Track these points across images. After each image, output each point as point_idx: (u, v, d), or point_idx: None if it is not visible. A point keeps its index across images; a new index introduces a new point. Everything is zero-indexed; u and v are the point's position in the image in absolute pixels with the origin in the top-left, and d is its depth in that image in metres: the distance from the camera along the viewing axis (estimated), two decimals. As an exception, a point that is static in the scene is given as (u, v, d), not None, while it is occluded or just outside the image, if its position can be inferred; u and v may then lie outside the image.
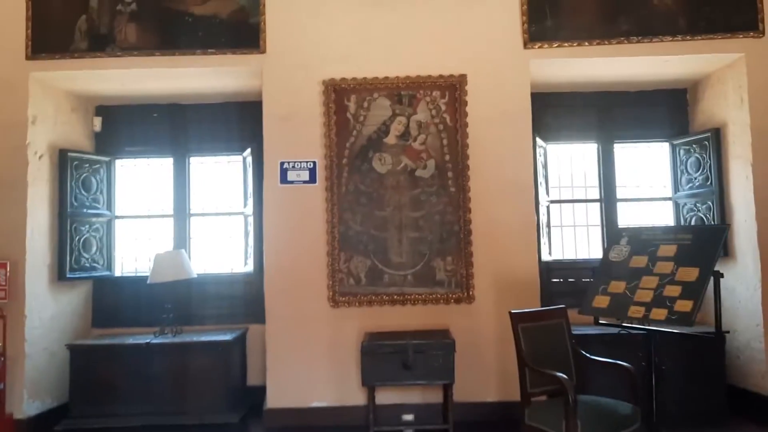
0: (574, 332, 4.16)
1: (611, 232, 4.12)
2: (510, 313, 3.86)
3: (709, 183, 5.36)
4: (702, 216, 5.42)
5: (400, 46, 5.12)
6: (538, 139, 5.50)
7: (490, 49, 5.09)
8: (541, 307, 4.98)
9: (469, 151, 5.02)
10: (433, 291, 5.02)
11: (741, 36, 4.94)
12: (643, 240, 3.91)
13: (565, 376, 3.53)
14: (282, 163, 5.08)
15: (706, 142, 5.39)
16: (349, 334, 5.01)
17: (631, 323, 3.84)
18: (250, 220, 5.71)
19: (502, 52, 5.09)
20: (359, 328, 5.01)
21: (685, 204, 5.61)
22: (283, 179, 5.08)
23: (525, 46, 5.07)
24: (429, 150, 5.07)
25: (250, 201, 5.71)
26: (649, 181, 5.90)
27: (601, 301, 3.84)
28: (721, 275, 3.37)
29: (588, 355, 3.93)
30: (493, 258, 5.01)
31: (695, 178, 5.51)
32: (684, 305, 3.35)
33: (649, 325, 3.78)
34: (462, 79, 5.06)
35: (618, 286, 3.82)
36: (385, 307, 5.02)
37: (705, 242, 3.57)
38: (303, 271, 5.03)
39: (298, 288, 5.03)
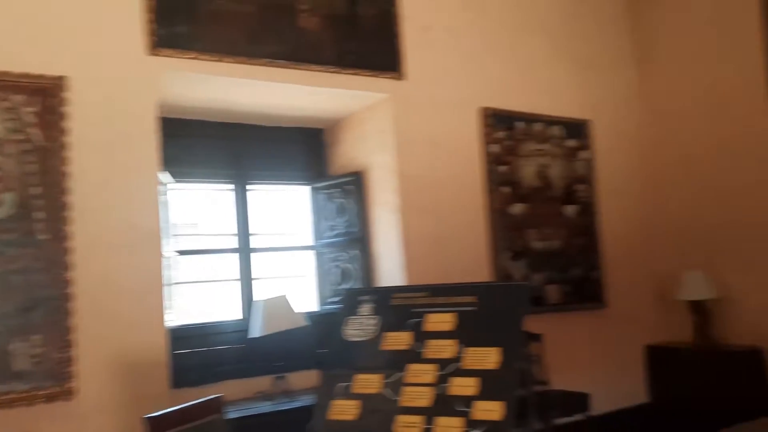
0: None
1: (347, 296, 2.93)
2: (144, 419, 2.61)
3: (353, 231, 4.97)
4: (347, 267, 4.99)
5: (-42, 20, 3.41)
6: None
7: (103, 47, 3.76)
8: (172, 388, 3.79)
9: (71, 183, 3.56)
10: (8, 389, 3.34)
11: (385, 76, 4.70)
12: (397, 306, 2.67)
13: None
14: None
15: (349, 187, 5.02)
16: None
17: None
18: None
19: (121, 54, 3.82)
20: None
21: (328, 253, 5.12)
22: None
23: (151, 51, 3.90)
24: (5, 179, 3.44)
25: None
26: (290, 228, 5.28)
27: (346, 410, 2.45)
28: (534, 358, 2.57)
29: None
30: (107, 331, 3.60)
31: (338, 226, 5.08)
32: (488, 409, 2.16)
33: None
34: (60, 82, 3.59)
35: (370, 383, 2.48)
36: None
37: (501, 307, 2.48)
38: None
39: None
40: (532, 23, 5.54)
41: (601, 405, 5.31)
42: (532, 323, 5.01)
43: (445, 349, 2.44)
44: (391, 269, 4.69)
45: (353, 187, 4.95)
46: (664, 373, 5.63)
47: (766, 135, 5.18)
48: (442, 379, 2.36)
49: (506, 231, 5.09)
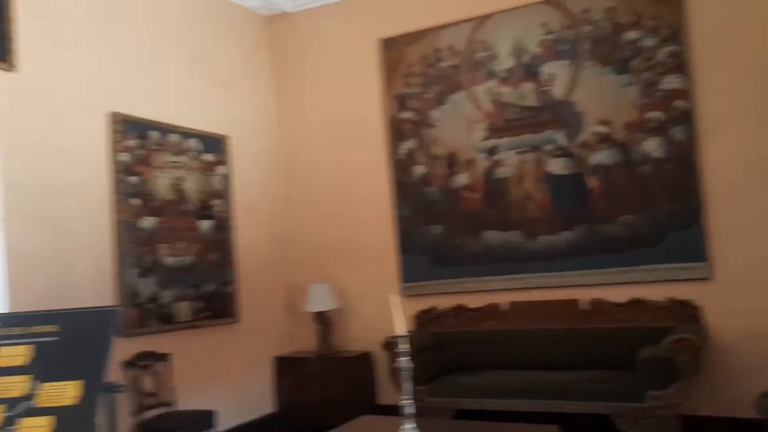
0: None
1: None
2: None
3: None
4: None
5: None
6: None
7: None
8: None
9: None
10: None
11: (-8, 65, 4.02)
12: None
13: None
14: None
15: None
16: None
17: None
18: None
19: None
20: None
21: None
22: None
23: None
24: None
25: None
26: None
27: None
28: (118, 389, 2.21)
29: None
30: None
31: None
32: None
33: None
34: None
35: None
36: None
37: (85, 335, 2.20)
38: None
39: None
40: (169, 33, 5.36)
41: (230, 420, 5.39)
42: (161, 342, 4.84)
43: (16, 386, 2.12)
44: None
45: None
46: (290, 381, 5.94)
47: (384, 162, 5.91)
48: (10, 421, 2.05)
49: (135, 245, 4.79)
